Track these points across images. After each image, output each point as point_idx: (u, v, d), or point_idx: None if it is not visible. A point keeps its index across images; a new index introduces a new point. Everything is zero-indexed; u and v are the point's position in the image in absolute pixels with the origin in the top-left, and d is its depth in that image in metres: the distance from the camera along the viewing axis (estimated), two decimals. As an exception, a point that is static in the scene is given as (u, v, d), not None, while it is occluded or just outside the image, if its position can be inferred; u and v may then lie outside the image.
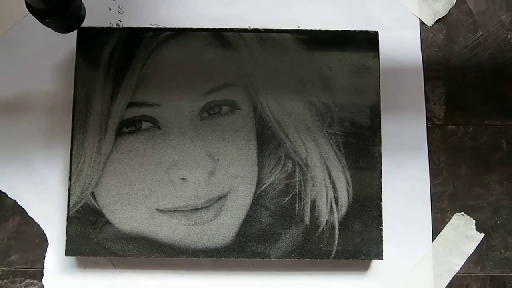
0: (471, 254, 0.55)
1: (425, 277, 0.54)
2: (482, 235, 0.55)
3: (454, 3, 0.58)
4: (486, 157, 0.57)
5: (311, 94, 0.53)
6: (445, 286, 0.54)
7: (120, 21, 0.57)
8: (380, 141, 0.53)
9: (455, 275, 0.55)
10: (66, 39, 0.56)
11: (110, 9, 0.57)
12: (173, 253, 0.51)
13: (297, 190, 0.52)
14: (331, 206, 0.52)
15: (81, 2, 0.47)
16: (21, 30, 0.57)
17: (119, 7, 0.57)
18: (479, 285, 0.55)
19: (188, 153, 0.52)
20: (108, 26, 0.56)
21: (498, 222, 0.56)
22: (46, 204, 0.54)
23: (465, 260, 0.55)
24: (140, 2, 0.57)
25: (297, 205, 0.52)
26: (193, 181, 0.52)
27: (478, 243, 0.55)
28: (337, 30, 0.55)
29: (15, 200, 0.54)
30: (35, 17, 0.44)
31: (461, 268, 0.55)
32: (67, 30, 0.48)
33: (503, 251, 0.55)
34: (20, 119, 0.55)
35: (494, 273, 0.55)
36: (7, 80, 0.56)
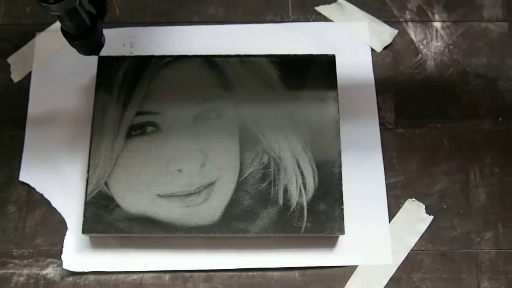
0: (423, 233, 0.65)
1: (384, 253, 0.64)
2: (432, 217, 0.65)
3: (396, 33, 0.72)
4: (431, 153, 0.68)
5: (282, 102, 0.66)
6: (402, 260, 0.64)
7: (131, 53, 0.71)
8: (339, 137, 0.64)
9: (410, 251, 0.64)
10: (88, 68, 0.70)
11: (124, 45, 0.72)
12: (171, 230, 0.62)
13: (272, 178, 0.63)
14: (300, 190, 0.63)
15: (102, 32, 0.62)
16: (55, 61, 0.71)
17: (131, 43, 0.72)
18: (432, 260, 0.64)
19: (183, 150, 0.64)
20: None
21: (445, 206, 0.66)
22: (67, 197, 0.66)
23: (418, 238, 0.65)
24: (147, 38, 0.72)
25: (272, 190, 0.63)
26: (188, 172, 0.63)
27: (428, 224, 0.65)
28: (302, 54, 0.69)
29: (42, 194, 0.66)
30: (66, 39, 0.58)
31: (415, 245, 0.64)
32: (89, 52, 0.62)
33: (450, 230, 0.65)
34: (50, 130, 0.68)
35: (443, 249, 0.64)
36: (41, 98, 0.70)
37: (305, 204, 0.63)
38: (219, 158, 0.64)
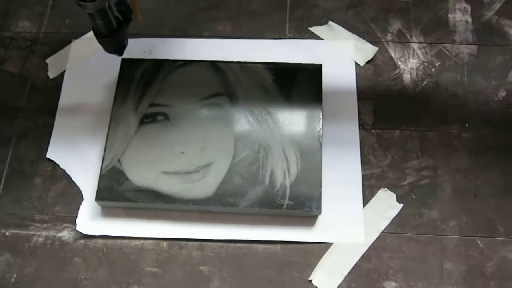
0: (394, 218, 0.73)
1: (358, 234, 0.72)
2: (401, 205, 0.74)
3: (377, 50, 0.84)
4: (403, 151, 0.77)
5: (272, 102, 0.77)
6: (373, 240, 0.72)
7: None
8: (321, 132, 0.74)
9: (381, 233, 0.72)
10: (112, 70, 0.82)
11: (144, 52, 0.85)
12: (170, 201, 0.71)
13: (261, 162, 0.73)
14: (285, 173, 0.72)
15: (126, 35, 0.75)
16: (85, 64, 0.85)
17: (150, 51, 0.85)
18: (400, 242, 0.72)
19: (187, 136, 0.75)
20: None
21: (414, 197, 0.74)
22: (86, 173, 0.77)
23: (389, 222, 0.73)
24: (163, 48, 0.85)
25: (260, 172, 0.73)
26: (189, 154, 0.74)
27: (398, 211, 0.73)
28: (293, 63, 0.80)
29: (64, 170, 0.77)
30: (96, 37, 0.71)
31: (385, 228, 0.72)
32: (114, 51, 0.75)
33: (418, 217, 0.73)
34: (76, 118, 0.80)
35: (411, 234, 0.72)
36: (71, 93, 0.82)
37: (288, 185, 0.72)
38: (216, 144, 0.74)
